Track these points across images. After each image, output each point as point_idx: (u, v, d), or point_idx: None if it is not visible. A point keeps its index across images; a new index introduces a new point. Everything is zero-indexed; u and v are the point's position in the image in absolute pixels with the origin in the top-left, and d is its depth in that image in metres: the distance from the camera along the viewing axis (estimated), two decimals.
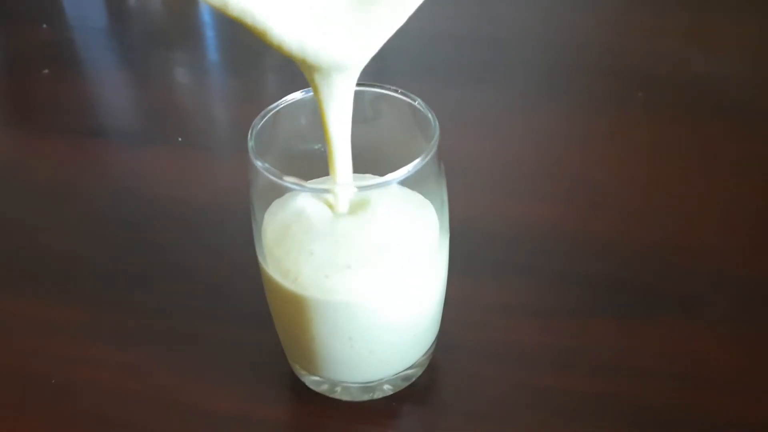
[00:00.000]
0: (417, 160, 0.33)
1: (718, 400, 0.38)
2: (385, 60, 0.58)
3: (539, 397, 0.39)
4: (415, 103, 0.36)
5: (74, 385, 0.40)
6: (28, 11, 0.74)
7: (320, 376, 0.38)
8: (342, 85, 0.33)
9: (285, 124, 0.36)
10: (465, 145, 0.53)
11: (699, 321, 0.42)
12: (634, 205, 0.49)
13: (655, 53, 0.64)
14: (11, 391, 0.40)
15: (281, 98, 0.36)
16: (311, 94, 0.36)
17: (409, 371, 0.39)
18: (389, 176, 0.33)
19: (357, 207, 0.34)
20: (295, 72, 0.34)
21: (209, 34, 0.72)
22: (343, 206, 0.34)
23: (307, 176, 0.37)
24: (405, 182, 0.33)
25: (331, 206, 0.35)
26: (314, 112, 0.34)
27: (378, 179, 0.33)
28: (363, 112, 0.35)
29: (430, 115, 0.35)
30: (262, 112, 0.36)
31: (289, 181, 0.33)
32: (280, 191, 0.35)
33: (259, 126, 0.35)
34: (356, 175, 0.37)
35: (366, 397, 0.39)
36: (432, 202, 0.36)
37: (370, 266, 0.34)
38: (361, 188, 0.33)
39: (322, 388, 0.39)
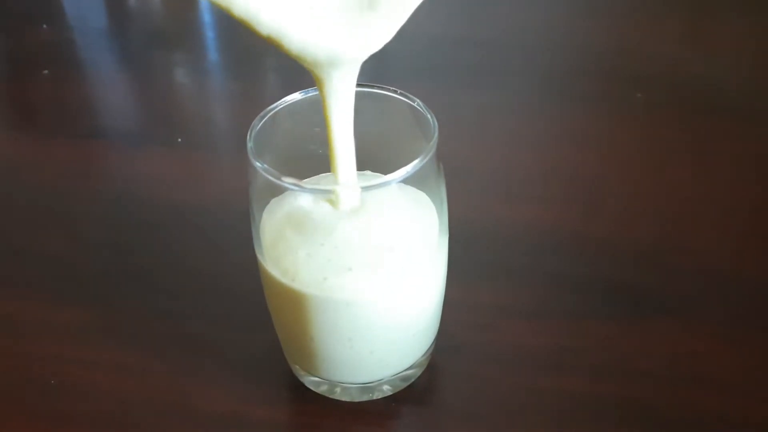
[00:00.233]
0: (416, 161, 0.33)
1: (715, 401, 0.38)
2: (383, 61, 0.58)
3: (538, 397, 0.39)
4: (415, 104, 0.36)
5: (73, 386, 0.40)
6: (28, 12, 0.74)
7: (320, 377, 0.38)
8: (342, 82, 0.33)
9: (284, 125, 0.36)
10: (463, 147, 0.53)
11: (696, 322, 0.42)
12: (631, 206, 0.49)
13: (652, 55, 0.64)
14: (10, 392, 0.40)
15: (281, 99, 0.36)
16: (311, 94, 0.36)
17: (409, 372, 0.39)
18: (389, 176, 0.33)
19: (358, 205, 0.34)
20: (294, 73, 0.35)
21: (209, 35, 0.72)
22: (342, 206, 0.34)
23: (306, 174, 0.37)
24: (404, 182, 0.33)
25: (331, 202, 0.34)
26: (313, 112, 0.34)
27: (377, 179, 0.33)
28: (363, 112, 0.35)
29: (429, 116, 0.35)
30: (261, 113, 0.36)
31: (287, 181, 0.33)
32: (278, 191, 0.35)
33: (258, 127, 0.35)
34: (364, 172, 0.37)
35: (365, 398, 0.39)
36: (431, 203, 0.36)
37: (369, 266, 0.34)
38: (359, 189, 0.33)
39: (322, 389, 0.39)
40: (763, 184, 0.51)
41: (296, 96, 0.36)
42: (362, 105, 0.35)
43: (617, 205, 0.50)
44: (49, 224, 0.50)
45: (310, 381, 0.39)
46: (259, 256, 0.36)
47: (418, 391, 0.39)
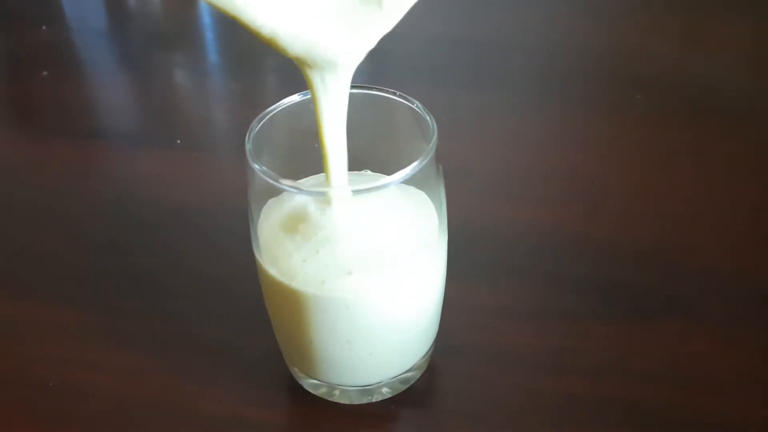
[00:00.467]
0: (416, 162, 0.33)
1: (715, 401, 0.38)
2: (382, 62, 0.59)
3: (538, 398, 0.39)
4: (414, 106, 0.36)
5: (72, 388, 0.40)
6: (27, 13, 0.74)
7: (318, 379, 0.38)
8: (336, 82, 0.33)
9: (282, 127, 0.36)
10: (462, 147, 0.53)
11: (696, 322, 0.42)
12: (631, 206, 0.49)
13: (651, 55, 0.64)
14: (9, 393, 0.40)
15: (280, 100, 0.36)
16: (309, 96, 0.36)
17: (408, 374, 0.39)
18: (388, 178, 0.33)
19: (355, 207, 0.34)
20: (294, 74, 0.35)
21: (209, 36, 0.72)
22: (340, 207, 0.34)
23: (305, 174, 0.38)
24: (404, 182, 0.33)
25: (330, 200, 0.34)
26: (311, 114, 0.34)
27: (376, 181, 0.33)
28: (362, 114, 0.35)
29: (428, 118, 0.35)
30: (260, 115, 0.36)
31: (285, 184, 0.33)
32: (277, 192, 0.35)
33: (257, 129, 0.35)
34: (356, 172, 0.37)
35: (364, 401, 0.39)
36: (431, 202, 0.36)
37: (368, 267, 0.34)
38: (358, 192, 0.33)
39: (321, 391, 0.39)
40: (762, 185, 0.51)
41: (294, 98, 0.36)
42: (362, 107, 0.35)
43: (617, 205, 0.50)
44: (49, 224, 0.50)
45: (308, 383, 0.39)
46: (257, 257, 0.36)
47: (418, 394, 0.39)
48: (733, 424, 0.37)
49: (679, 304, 0.43)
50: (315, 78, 0.33)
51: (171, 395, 0.40)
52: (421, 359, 0.39)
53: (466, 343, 0.41)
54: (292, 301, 0.35)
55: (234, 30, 0.70)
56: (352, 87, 0.34)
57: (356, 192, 0.33)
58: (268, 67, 0.66)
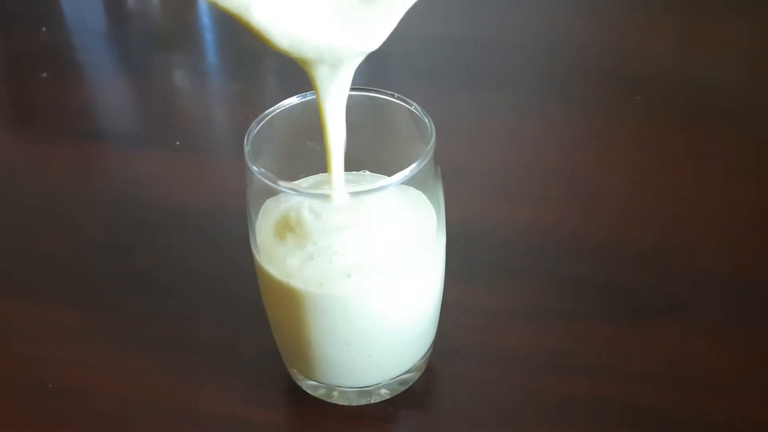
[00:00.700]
0: (414, 164, 0.33)
1: (714, 402, 0.38)
2: (381, 63, 0.58)
3: (536, 400, 0.39)
4: (412, 108, 0.36)
5: (71, 389, 0.40)
6: (27, 14, 0.74)
7: (317, 380, 0.38)
8: (336, 81, 0.33)
9: (281, 128, 0.36)
10: (462, 148, 0.53)
11: (695, 323, 0.42)
12: (630, 207, 0.49)
13: (651, 56, 0.64)
14: (8, 393, 0.40)
15: (280, 102, 0.36)
16: (308, 98, 0.36)
17: (407, 375, 0.39)
18: (386, 180, 0.33)
19: (354, 208, 0.34)
20: (293, 75, 0.35)
21: (208, 37, 0.72)
22: (338, 209, 0.34)
23: (304, 173, 0.38)
24: (402, 186, 0.33)
25: (329, 202, 0.34)
26: (310, 115, 0.35)
27: (374, 183, 0.33)
28: (361, 115, 0.35)
29: (426, 120, 0.35)
30: (259, 117, 0.36)
31: (283, 186, 0.33)
32: (275, 192, 0.35)
33: (256, 130, 0.35)
34: (354, 173, 0.37)
35: (363, 402, 0.39)
36: (429, 203, 0.36)
37: (366, 269, 0.34)
38: (356, 194, 0.33)
39: (319, 393, 0.39)
40: (762, 185, 0.51)
41: (293, 100, 0.37)
42: (361, 108, 0.36)
43: (617, 205, 0.49)
44: (49, 225, 0.50)
45: (307, 385, 0.39)
46: (256, 256, 0.36)
47: (417, 395, 0.39)
48: (733, 424, 0.37)
49: (679, 304, 0.43)
50: (316, 77, 0.33)
51: (170, 396, 0.40)
52: (419, 360, 0.39)
53: (465, 344, 0.41)
54: (291, 301, 0.35)
55: (233, 31, 0.70)
56: (352, 89, 0.34)
57: (355, 194, 0.33)
58: (267, 68, 0.66)
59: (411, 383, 0.39)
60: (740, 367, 0.39)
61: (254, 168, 0.33)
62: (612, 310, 0.42)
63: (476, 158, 0.54)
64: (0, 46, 0.73)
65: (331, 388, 0.38)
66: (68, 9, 0.77)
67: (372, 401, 0.39)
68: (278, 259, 0.35)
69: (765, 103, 0.58)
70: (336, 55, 0.32)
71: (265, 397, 0.40)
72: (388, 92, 0.36)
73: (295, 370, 0.39)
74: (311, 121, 0.35)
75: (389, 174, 0.33)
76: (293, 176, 0.38)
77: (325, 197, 0.34)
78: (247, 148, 0.34)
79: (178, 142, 0.57)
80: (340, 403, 0.39)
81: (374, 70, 0.58)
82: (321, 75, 0.33)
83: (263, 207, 0.36)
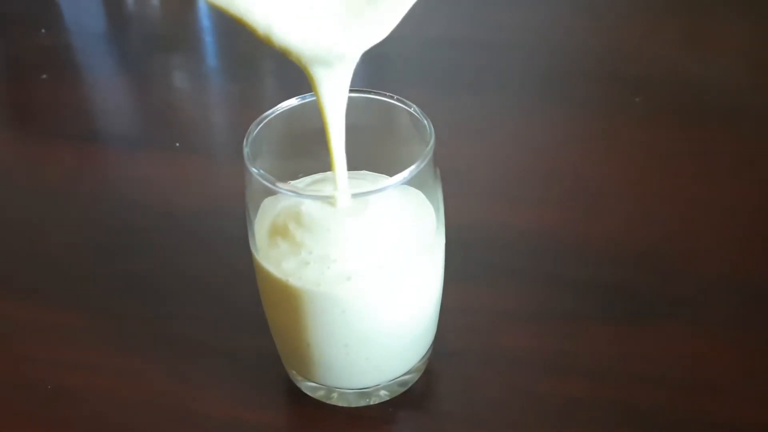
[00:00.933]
0: (413, 166, 0.33)
1: (714, 404, 0.38)
2: (382, 65, 0.59)
3: (535, 401, 0.39)
4: (411, 110, 0.36)
5: (70, 391, 0.40)
6: (26, 16, 0.74)
7: (316, 382, 0.38)
8: (334, 80, 0.33)
9: (280, 130, 0.36)
10: (461, 150, 0.53)
11: (695, 324, 0.42)
12: (630, 209, 0.49)
13: (651, 58, 0.64)
14: (7, 396, 0.40)
15: (279, 103, 0.37)
16: (307, 100, 0.36)
17: (406, 377, 0.39)
18: (385, 182, 0.33)
19: (354, 210, 0.34)
20: (292, 76, 0.35)
21: (207, 39, 0.72)
22: (338, 210, 0.34)
23: (303, 173, 0.38)
24: (401, 187, 0.33)
25: (328, 203, 0.34)
26: (309, 117, 0.35)
27: (374, 185, 0.33)
28: (361, 117, 0.35)
29: (425, 121, 0.35)
30: (258, 119, 0.36)
31: (282, 187, 0.33)
32: (274, 192, 0.35)
33: (255, 132, 0.35)
34: (354, 172, 0.37)
35: (362, 403, 0.39)
36: (428, 203, 0.36)
37: (365, 271, 0.34)
38: (356, 196, 0.33)
39: (319, 394, 0.39)
40: (764, 186, 0.51)
41: (292, 101, 0.37)
42: (361, 110, 0.36)
43: (618, 207, 0.49)
44: (46, 227, 0.50)
45: (306, 386, 0.39)
46: (255, 256, 0.36)
47: (416, 396, 0.39)
48: (734, 425, 0.37)
49: (680, 305, 0.43)
50: (315, 77, 0.33)
51: (169, 398, 0.40)
52: (419, 362, 0.39)
53: (465, 345, 0.41)
54: (290, 301, 0.35)
55: (232, 33, 0.70)
56: (352, 91, 0.34)
57: (354, 195, 0.33)
58: (266, 70, 0.66)
59: (410, 384, 0.39)
60: (741, 369, 0.39)
61: (253, 170, 0.33)
62: (613, 311, 0.42)
63: (477, 159, 0.54)
64: None
65: (330, 390, 0.38)
66: (68, 11, 0.77)
67: (371, 403, 0.39)
68: (277, 260, 0.35)
69: (765, 103, 0.58)
70: (334, 55, 0.32)
71: (264, 398, 0.40)
72: (388, 94, 0.36)
73: (294, 372, 0.39)
74: (310, 123, 0.35)
75: (389, 176, 0.33)
76: (292, 177, 0.38)
77: (324, 199, 0.34)
78: (246, 150, 0.34)
79: (177, 144, 0.57)
80: (340, 404, 0.39)
81: (375, 72, 0.58)
82: (319, 75, 0.33)
83: (262, 206, 0.36)
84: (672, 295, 0.43)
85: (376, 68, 0.58)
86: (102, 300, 0.45)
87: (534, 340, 0.41)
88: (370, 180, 0.37)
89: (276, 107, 0.36)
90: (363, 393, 0.38)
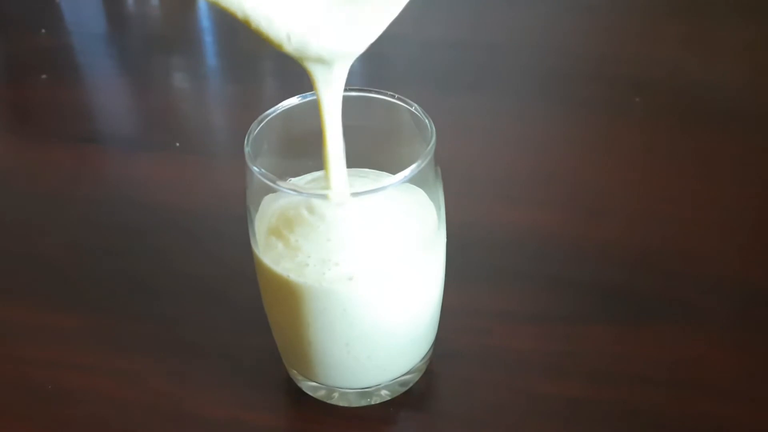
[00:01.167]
0: (414, 165, 0.33)
1: (715, 406, 0.38)
2: (381, 66, 0.58)
3: (536, 403, 0.38)
4: (412, 109, 0.36)
5: (70, 392, 0.40)
6: (27, 16, 0.74)
7: (317, 382, 0.38)
8: (331, 77, 0.33)
9: (281, 128, 0.36)
10: (461, 152, 0.53)
11: (696, 327, 0.42)
12: (630, 210, 0.49)
13: (651, 59, 0.64)
14: (7, 397, 0.40)
15: (279, 103, 0.36)
16: (308, 99, 0.36)
17: (407, 377, 0.39)
18: (387, 180, 0.33)
19: (355, 207, 0.34)
20: (292, 77, 0.35)
21: (207, 39, 0.72)
22: (338, 209, 0.34)
23: (303, 171, 0.38)
24: (402, 186, 0.33)
25: (329, 202, 0.34)
26: (310, 116, 0.34)
27: (374, 183, 0.33)
28: (362, 116, 0.35)
29: (426, 120, 0.35)
30: (259, 118, 0.36)
31: (285, 186, 0.33)
32: (275, 190, 0.34)
33: (256, 131, 0.35)
34: (356, 169, 0.37)
35: (363, 403, 0.38)
36: (430, 202, 0.36)
37: (366, 270, 0.34)
38: (358, 194, 0.33)
39: (320, 394, 0.39)
40: (764, 188, 0.50)
41: (293, 100, 0.36)
42: (362, 109, 0.36)
43: (619, 208, 0.49)
44: (46, 228, 0.50)
45: (307, 386, 0.39)
46: (255, 252, 0.36)
47: (417, 396, 0.39)
48: (735, 428, 0.37)
49: (682, 307, 0.43)
50: (313, 74, 0.33)
51: (169, 399, 0.39)
52: (420, 361, 0.39)
53: (465, 346, 0.41)
54: (291, 299, 0.34)
55: (232, 33, 0.70)
56: (353, 90, 0.34)
57: (356, 194, 0.33)
58: (266, 70, 0.66)
59: (411, 384, 0.39)
60: (743, 371, 0.39)
61: (254, 168, 0.33)
62: (613, 312, 0.42)
63: (477, 161, 0.53)
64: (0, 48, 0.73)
65: (331, 389, 0.38)
66: (68, 11, 0.77)
67: (372, 402, 0.38)
68: (278, 256, 0.34)
69: (765, 104, 0.58)
70: (334, 53, 0.32)
71: (264, 398, 0.39)
72: (389, 93, 0.36)
73: (294, 372, 0.39)
74: (312, 122, 0.35)
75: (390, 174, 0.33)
76: (293, 175, 0.38)
77: (325, 197, 0.34)
78: (247, 149, 0.34)
79: (178, 144, 0.57)
80: (340, 404, 0.38)
81: (374, 72, 0.58)
82: (317, 72, 0.33)
83: (263, 203, 0.36)
84: (672, 297, 0.43)
85: (375, 68, 0.57)
86: (102, 301, 0.45)
87: (535, 341, 0.41)
88: (373, 177, 0.37)
89: (277, 106, 0.36)
90: (364, 393, 0.38)
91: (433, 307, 0.37)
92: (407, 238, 0.35)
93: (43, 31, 0.72)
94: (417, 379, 0.39)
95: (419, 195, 0.36)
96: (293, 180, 0.38)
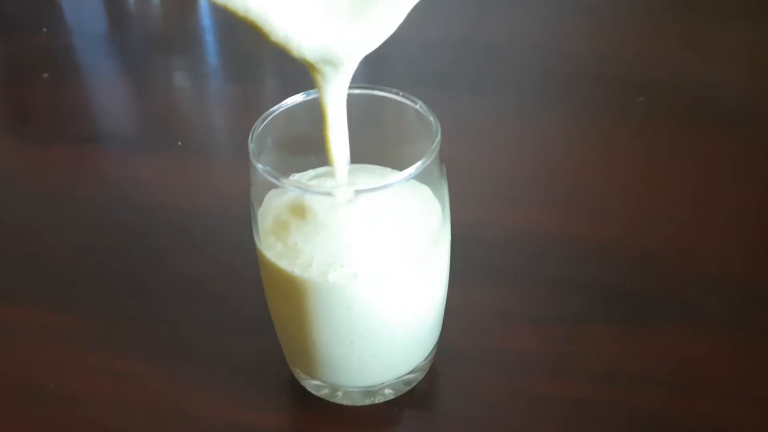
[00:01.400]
0: (420, 161, 0.33)
1: (716, 407, 0.38)
2: (382, 66, 0.59)
3: (538, 403, 0.38)
4: (417, 106, 0.36)
5: (72, 393, 0.40)
6: (28, 16, 0.74)
7: (321, 381, 0.38)
8: (338, 79, 0.33)
9: (285, 126, 0.36)
10: (463, 153, 0.53)
11: (697, 327, 0.41)
12: (632, 211, 0.49)
13: (652, 60, 0.63)
14: (8, 398, 0.40)
15: (282, 101, 0.36)
16: (312, 96, 0.36)
17: (411, 376, 0.39)
18: (393, 177, 0.33)
19: (361, 204, 0.34)
20: (294, 77, 0.34)
21: (209, 39, 0.72)
22: (344, 207, 0.34)
23: (307, 168, 0.38)
24: (407, 183, 0.33)
25: (334, 196, 0.34)
26: (314, 113, 0.34)
27: (380, 181, 0.33)
28: (366, 114, 0.35)
29: (431, 117, 0.35)
30: (263, 115, 0.36)
31: (290, 183, 0.33)
32: (278, 187, 0.34)
33: (260, 128, 0.35)
34: (362, 165, 0.37)
35: (367, 402, 0.38)
36: (434, 198, 0.36)
37: (371, 268, 0.34)
38: (363, 191, 0.33)
39: (323, 393, 0.39)
40: (765, 188, 0.50)
41: (298, 98, 0.36)
42: (366, 107, 0.36)
43: (619, 209, 0.49)
44: (46, 228, 0.50)
45: (311, 384, 0.39)
46: (259, 251, 0.36)
47: (421, 395, 0.39)
48: (734, 429, 0.37)
49: (683, 308, 0.43)
50: (317, 74, 0.33)
51: (170, 398, 0.39)
52: (424, 360, 0.39)
53: (468, 346, 0.41)
54: (295, 296, 0.34)
55: (233, 33, 0.70)
56: (357, 87, 0.34)
57: (362, 191, 0.33)
58: (267, 70, 0.66)
59: (415, 383, 0.39)
60: (744, 372, 0.39)
61: (258, 166, 0.33)
62: (615, 314, 0.42)
63: (479, 161, 0.53)
64: (0, 48, 0.73)
65: (335, 388, 0.38)
66: (69, 11, 0.77)
67: (376, 401, 0.38)
68: (282, 252, 0.34)
69: (766, 105, 0.58)
70: (336, 55, 0.32)
71: (267, 397, 0.39)
72: (393, 90, 0.36)
73: (298, 370, 0.39)
74: (315, 119, 0.35)
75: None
76: (297, 172, 0.38)
77: (330, 194, 0.34)
78: (251, 146, 0.34)
79: (180, 143, 0.57)
80: (344, 403, 0.38)
81: (375, 73, 0.58)
82: (321, 73, 0.33)
83: (266, 199, 0.36)
84: (674, 298, 0.43)
85: (376, 69, 0.57)
86: (102, 301, 0.44)
87: (537, 343, 0.41)
88: (378, 173, 0.37)
89: (281, 103, 0.36)
90: (368, 391, 0.38)
91: (437, 305, 0.37)
92: (413, 234, 0.35)
93: (44, 30, 0.72)
94: (421, 378, 0.39)
95: (425, 191, 0.35)
96: (296, 176, 0.38)
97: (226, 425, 0.38)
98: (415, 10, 0.32)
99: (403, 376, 0.38)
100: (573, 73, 0.63)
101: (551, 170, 0.53)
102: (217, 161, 0.56)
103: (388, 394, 0.38)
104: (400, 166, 0.33)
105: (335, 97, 0.33)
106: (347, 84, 0.33)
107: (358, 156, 0.35)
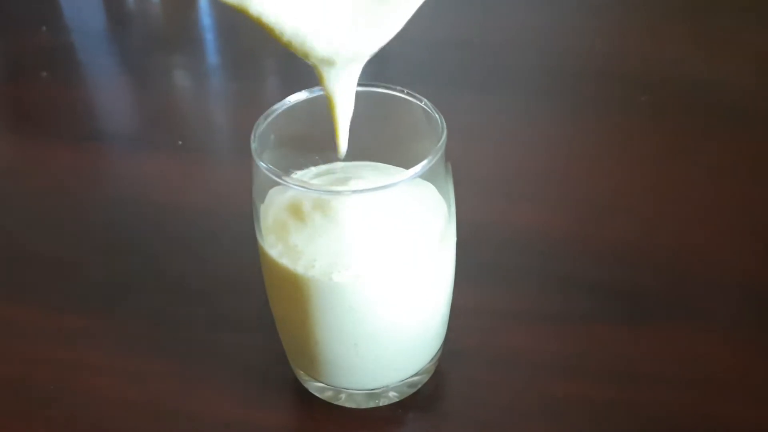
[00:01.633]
0: (426, 160, 0.32)
1: (727, 406, 0.38)
2: (388, 66, 0.58)
3: (546, 403, 0.38)
4: (422, 104, 0.35)
5: (73, 392, 0.40)
6: (27, 14, 0.74)
7: (324, 383, 0.38)
8: (343, 79, 0.32)
9: (288, 124, 0.36)
10: (470, 152, 0.53)
11: (707, 327, 0.41)
12: (641, 210, 0.49)
13: (658, 58, 0.63)
14: (9, 397, 0.40)
15: (284, 99, 0.36)
16: (315, 94, 0.36)
17: (415, 378, 0.38)
18: (399, 176, 0.32)
19: (365, 202, 0.34)
20: (295, 74, 0.34)
21: (209, 37, 0.72)
22: (347, 207, 0.34)
23: (309, 165, 0.38)
24: (413, 182, 0.33)
25: (337, 194, 0.34)
26: (317, 111, 0.34)
27: (387, 178, 0.32)
28: (371, 111, 0.35)
29: (437, 115, 0.35)
30: (266, 112, 0.35)
31: (291, 182, 0.32)
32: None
33: (263, 126, 0.35)
34: (367, 163, 0.37)
35: (371, 404, 0.38)
36: (440, 197, 0.36)
37: (375, 269, 0.33)
38: (368, 190, 0.33)
39: (326, 395, 0.38)
40: None
41: (300, 95, 0.36)
42: (371, 104, 0.35)
43: (627, 209, 0.49)
44: (48, 227, 0.50)
45: (314, 387, 0.38)
46: (262, 249, 0.35)
47: (425, 398, 0.39)
48: (740, 427, 0.37)
49: (688, 307, 0.42)
50: (325, 74, 0.32)
51: (173, 399, 0.39)
52: (428, 363, 0.38)
53: (473, 346, 0.41)
54: (299, 295, 0.34)
55: (234, 31, 0.70)
56: (363, 85, 0.34)
57: (366, 190, 0.32)
58: (268, 68, 0.66)
59: (419, 386, 0.39)
60: (748, 371, 0.39)
61: (261, 163, 0.33)
62: (624, 313, 0.42)
63: (484, 160, 0.53)
64: (0, 46, 0.73)
65: (338, 391, 0.38)
66: (68, 9, 0.77)
67: (380, 404, 0.38)
68: (285, 250, 0.34)
69: None
70: (343, 57, 0.31)
71: (270, 399, 0.39)
72: (398, 88, 0.36)
73: (301, 372, 0.38)
74: (318, 117, 0.34)
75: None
76: (299, 169, 0.38)
77: (333, 193, 0.34)
78: (253, 145, 0.34)
79: (180, 142, 0.56)
80: (348, 405, 0.38)
81: (381, 72, 0.57)
82: (328, 74, 0.32)
83: (268, 197, 0.35)
84: (680, 297, 0.43)
85: (382, 69, 0.57)
86: (105, 301, 0.44)
87: (544, 343, 0.41)
88: (384, 171, 0.37)
89: (283, 101, 0.36)
90: (372, 394, 0.38)
91: (443, 304, 0.37)
92: (418, 234, 0.35)
93: (44, 28, 0.72)
94: (426, 380, 0.39)
95: (430, 190, 0.35)
96: (299, 173, 0.37)
97: (230, 425, 0.38)
98: (422, 10, 0.32)
99: (408, 378, 0.38)
100: (580, 72, 0.63)
101: (557, 169, 0.53)
102: (218, 160, 0.56)
103: (393, 396, 0.38)
104: (405, 165, 0.33)
105: (344, 93, 0.33)
106: (356, 80, 0.33)
107: (364, 154, 0.35)
